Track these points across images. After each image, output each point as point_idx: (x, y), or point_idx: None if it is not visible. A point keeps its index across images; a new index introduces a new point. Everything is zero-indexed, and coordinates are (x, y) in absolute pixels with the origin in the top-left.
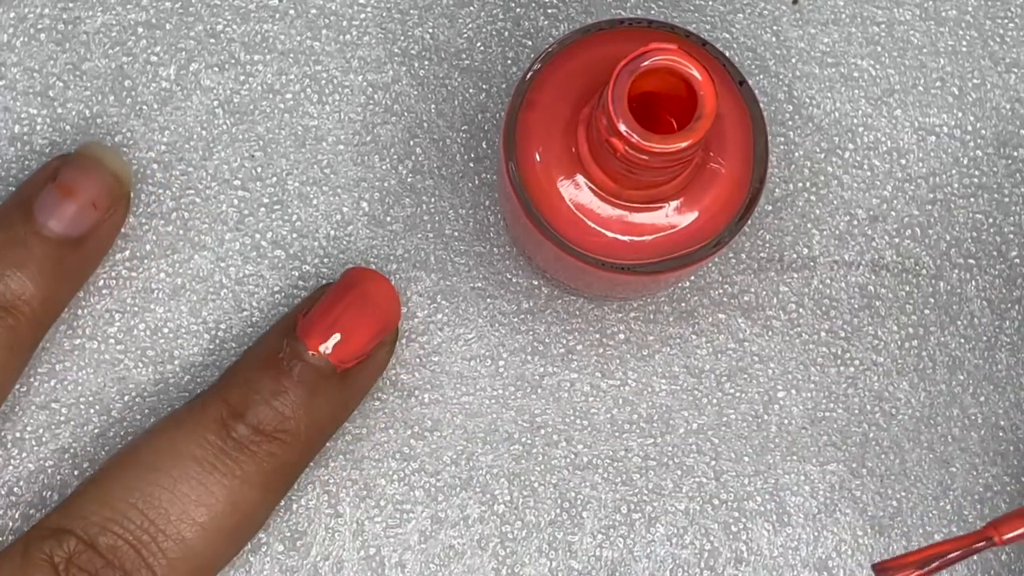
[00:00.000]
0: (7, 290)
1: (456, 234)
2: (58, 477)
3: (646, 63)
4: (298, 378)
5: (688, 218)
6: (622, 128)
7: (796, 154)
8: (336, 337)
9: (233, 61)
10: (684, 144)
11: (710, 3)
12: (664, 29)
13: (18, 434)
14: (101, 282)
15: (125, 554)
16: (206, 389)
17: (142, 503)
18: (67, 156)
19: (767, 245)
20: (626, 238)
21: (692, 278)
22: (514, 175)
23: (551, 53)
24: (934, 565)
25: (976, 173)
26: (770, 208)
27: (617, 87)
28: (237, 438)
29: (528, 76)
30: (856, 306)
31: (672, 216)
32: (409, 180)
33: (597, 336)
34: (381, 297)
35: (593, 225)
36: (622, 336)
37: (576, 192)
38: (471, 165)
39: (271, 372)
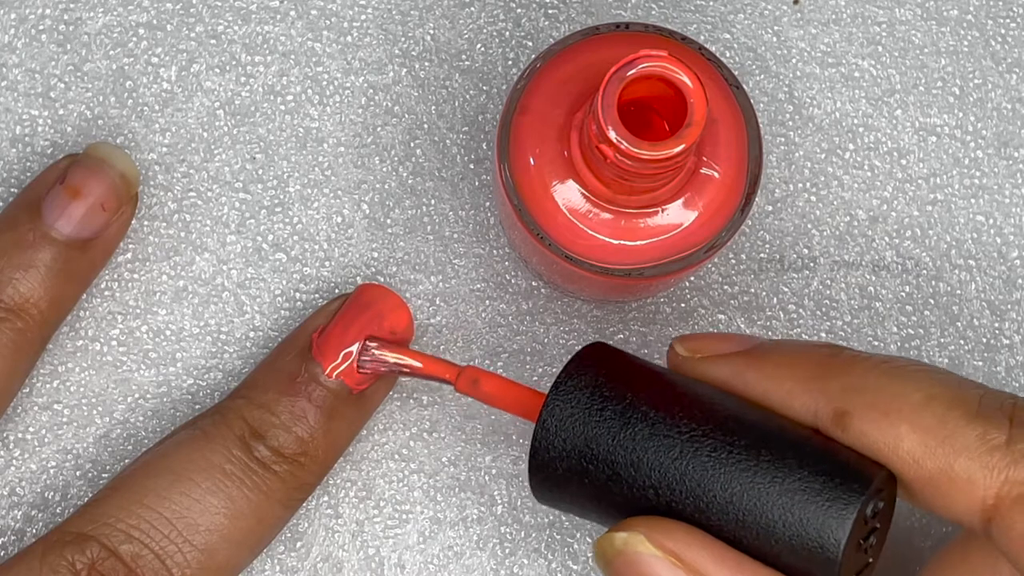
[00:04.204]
0: (16, 293)
1: (456, 236)
2: (60, 478)
3: (634, 70)
4: (316, 403)
5: (682, 222)
6: (612, 135)
7: (796, 154)
8: (352, 360)
9: (234, 63)
10: (674, 151)
11: (711, 3)
12: (660, 34)
13: (20, 435)
14: (103, 284)
15: (148, 563)
16: (224, 399)
17: (169, 512)
18: (75, 156)
19: (767, 245)
20: (619, 243)
21: (692, 278)
22: (507, 179)
23: (545, 58)
24: (398, 368)
25: (977, 174)
26: (770, 208)
27: (607, 94)
28: (260, 458)
29: (522, 81)
30: (856, 307)
31: (665, 221)
32: (410, 182)
33: (596, 336)
34: (395, 316)
35: (586, 229)
36: (621, 337)
37: (569, 197)
38: (471, 167)
39: (289, 396)
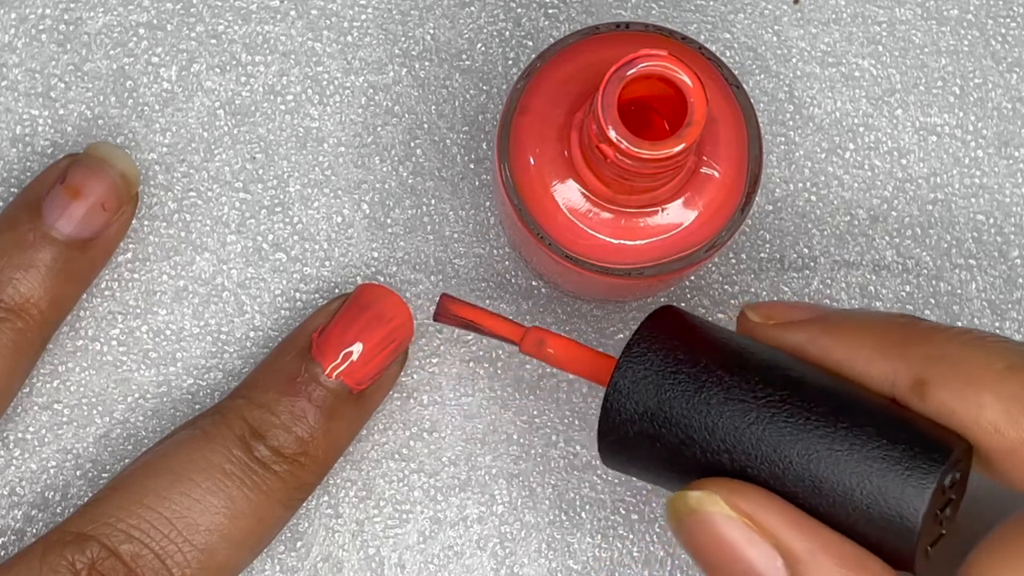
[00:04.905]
0: (16, 293)
1: (456, 236)
2: (60, 478)
3: (634, 70)
4: (316, 403)
5: (682, 222)
6: (612, 134)
7: (797, 154)
8: (352, 360)
9: (234, 62)
10: (674, 150)
11: (711, 3)
12: (660, 33)
13: (20, 434)
14: (103, 284)
15: (148, 563)
16: (224, 399)
17: (169, 512)
18: (76, 155)
19: (767, 245)
20: (619, 242)
21: (692, 278)
22: (507, 179)
23: (545, 57)
24: (467, 324)
25: (977, 173)
26: (770, 208)
27: (606, 94)
28: (260, 457)
29: (522, 81)
30: (857, 306)
31: (665, 220)
32: (410, 182)
33: (596, 336)
34: (395, 315)
35: (586, 229)
36: (621, 336)
37: (569, 196)
38: (471, 167)
39: (289, 396)
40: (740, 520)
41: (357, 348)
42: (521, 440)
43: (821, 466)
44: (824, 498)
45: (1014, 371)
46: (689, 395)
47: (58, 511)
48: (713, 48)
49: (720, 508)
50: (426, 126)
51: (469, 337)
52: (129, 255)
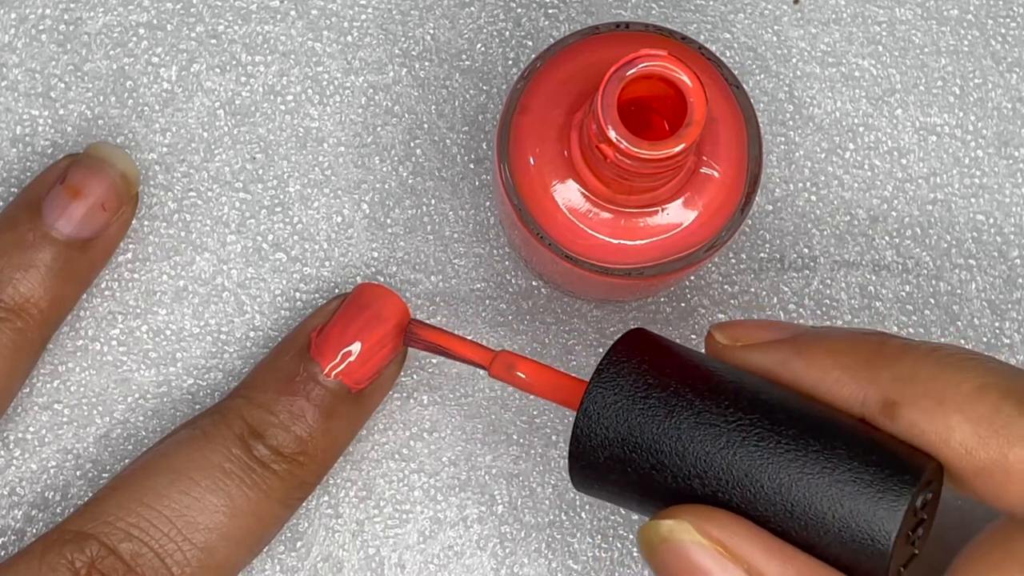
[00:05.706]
0: (16, 293)
1: (456, 236)
2: (61, 478)
3: (634, 70)
4: (314, 402)
5: (682, 222)
6: (611, 134)
7: (796, 154)
8: (351, 359)
9: (234, 62)
10: (674, 151)
11: (711, 3)
12: (660, 33)
13: (21, 434)
14: (103, 284)
15: (148, 561)
16: (224, 399)
17: (169, 511)
18: (76, 156)
19: (767, 245)
20: (619, 242)
21: (692, 278)
22: (507, 179)
23: (545, 57)
24: (437, 349)
25: (977, 173)
26: (770, 208)
27: (606, 94)
28: (259, 457)
29: (522, 80)
30: (856, 306)
31: (665, 220)
32: (410, 182)
33: (596, 336)
34: (394, 315)
35: (586, 229)
36: None
37: (569, 196)
38: (471, 166)
39: (287, 395)
40: (712, 547)
41: (356, 348)
42: (521, 440)
43: (793, 490)
44: (796, 521)
45: (984, 391)
46: (659, 420)
47: (58, 511)
48: (713, 48)
49: (692, 536)
50: (426, 126)
51: (470, 336)
52: (129, 255)
